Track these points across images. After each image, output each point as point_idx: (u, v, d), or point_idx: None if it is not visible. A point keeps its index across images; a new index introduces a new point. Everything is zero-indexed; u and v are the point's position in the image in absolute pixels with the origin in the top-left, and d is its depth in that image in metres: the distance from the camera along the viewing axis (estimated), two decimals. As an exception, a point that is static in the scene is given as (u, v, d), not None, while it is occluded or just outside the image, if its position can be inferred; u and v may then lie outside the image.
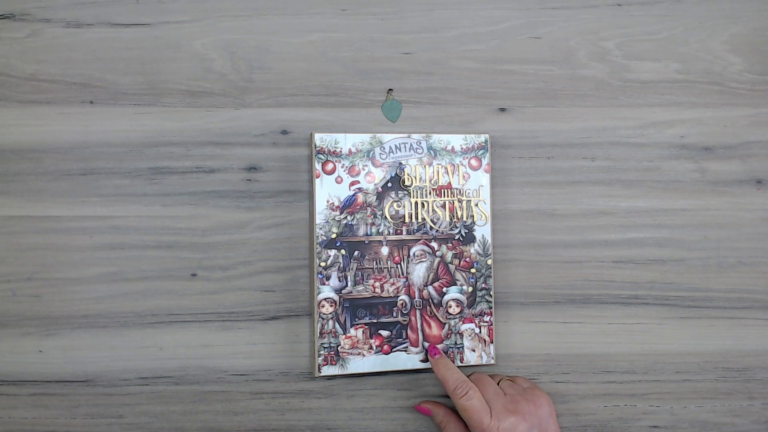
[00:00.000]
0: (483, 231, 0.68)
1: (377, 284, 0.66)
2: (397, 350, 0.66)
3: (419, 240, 0.67)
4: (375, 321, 0.66)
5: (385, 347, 0.66)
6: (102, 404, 0.66)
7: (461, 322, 0.67)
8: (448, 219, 0.67)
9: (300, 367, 0.68)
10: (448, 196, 0.67)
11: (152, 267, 0.67)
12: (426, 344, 0.67)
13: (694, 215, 0.71)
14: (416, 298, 0.67)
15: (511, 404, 0.61)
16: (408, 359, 0.66)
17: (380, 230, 0.66)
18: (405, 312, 0.67)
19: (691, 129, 0.71)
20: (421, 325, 0.67)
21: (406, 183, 0.67)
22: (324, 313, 0.65)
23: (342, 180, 0.66)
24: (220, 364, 0.67)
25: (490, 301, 0.68)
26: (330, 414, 0.68)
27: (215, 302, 0.67)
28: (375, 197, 0.66)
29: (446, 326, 0.67)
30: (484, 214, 0.68)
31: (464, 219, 0.67)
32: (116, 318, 0.66)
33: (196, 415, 0.67)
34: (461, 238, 0.67)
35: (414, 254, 0.67)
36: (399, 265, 0.67)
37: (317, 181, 0.65)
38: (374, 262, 0.66)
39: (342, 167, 0.66)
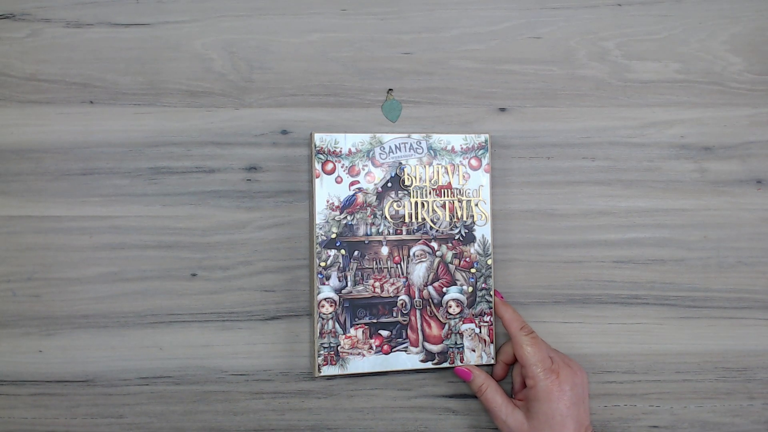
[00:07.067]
0: (483, 231, 0.68)
1: (377, 284, 0.66)
2: (397, 350, 0.66)
3: (419, 240, 0.67)
4: (375, 321, 0.66)
5: (385, 347, 0.66)
6: (102, 404, 0.66)
7: (461, 322, 0.67)
8: (448, 219, 0.67)
9: (300, 367, 0.68)
10: (448, 196, 0.67)
11: (152, 267, 0.67)
12: (425, 345, 0.67)
13: (694, 215, 0.71)
14: (416, 298, 0.67)
15: (568, 360, 0.65)
16: (408, 359, 0.66)
17: (380, 230, 0.66)
18: (405, 312, 0.66)
19: (691, 129, 0.71)
20: (421, 325, 0.67)
21: (406, 183, 0.67)
22: (324, 313, 0.65)
23: (342, 180, 0.66)
24: (220, 364, 0.67)
25: (490, 301, 0.68)
26: (330, 414, 0.68)
27: (215, 302, 0.67)
28: (375, 197, 0.66)
29: (446, 326, 0.67)
30: (484, 214, 0.68)
31: (464, 219, 0.67)
32: (116, 318, 0.66)
33: (196, 415, 0.67)
34: (461, 238, 0.67)
35: (414, 254, 0.67)
36: (399, 265, 0.67)
37: (317, 181, 0.65)
38: (374, 262, 0.66)
39: (342, 167, 0.66)
